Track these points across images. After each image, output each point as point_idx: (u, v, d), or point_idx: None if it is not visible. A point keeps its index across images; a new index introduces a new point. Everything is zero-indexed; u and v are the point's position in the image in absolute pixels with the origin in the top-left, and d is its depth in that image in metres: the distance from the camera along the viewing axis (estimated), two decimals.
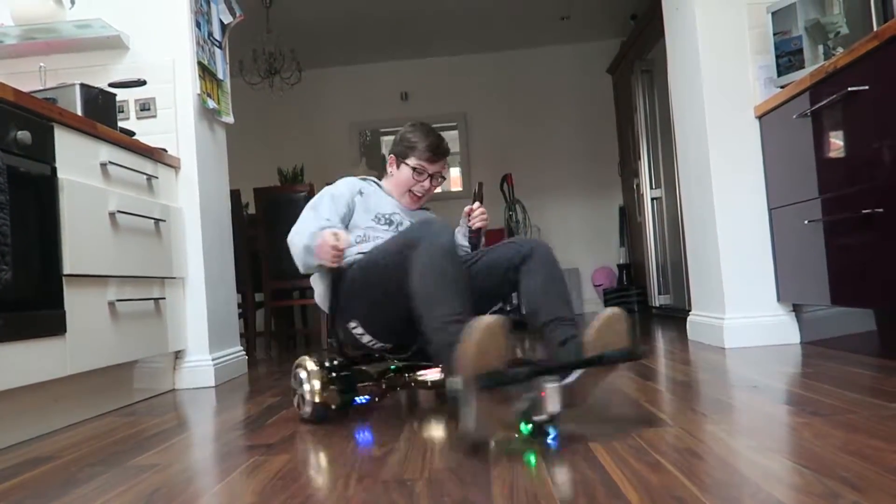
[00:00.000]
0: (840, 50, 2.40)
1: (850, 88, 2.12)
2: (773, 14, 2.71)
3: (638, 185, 5.17)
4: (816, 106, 2.34)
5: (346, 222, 2.00)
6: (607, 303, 5.82)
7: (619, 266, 5.98)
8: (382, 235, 1.94)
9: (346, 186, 2.08)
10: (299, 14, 5.47)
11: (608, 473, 1.15)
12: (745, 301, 2.80)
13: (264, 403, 2.21)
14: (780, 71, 2.70)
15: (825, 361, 2.23)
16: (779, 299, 2.78)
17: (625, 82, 5.53)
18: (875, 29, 2.14)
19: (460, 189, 6.65)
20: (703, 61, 2.89)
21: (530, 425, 1.39)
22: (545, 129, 6.41)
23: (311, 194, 4.26)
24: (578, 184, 6.38)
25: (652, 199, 4.89)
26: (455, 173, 6.88)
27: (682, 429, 1.44)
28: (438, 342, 1.52)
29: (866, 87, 2.08)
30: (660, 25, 3.46)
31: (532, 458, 1.28)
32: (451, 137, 6.83)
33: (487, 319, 1.35)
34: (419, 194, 2.08)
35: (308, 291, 4.80)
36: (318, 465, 1.37)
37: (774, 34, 2.72)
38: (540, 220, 6.10)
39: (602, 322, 1.51)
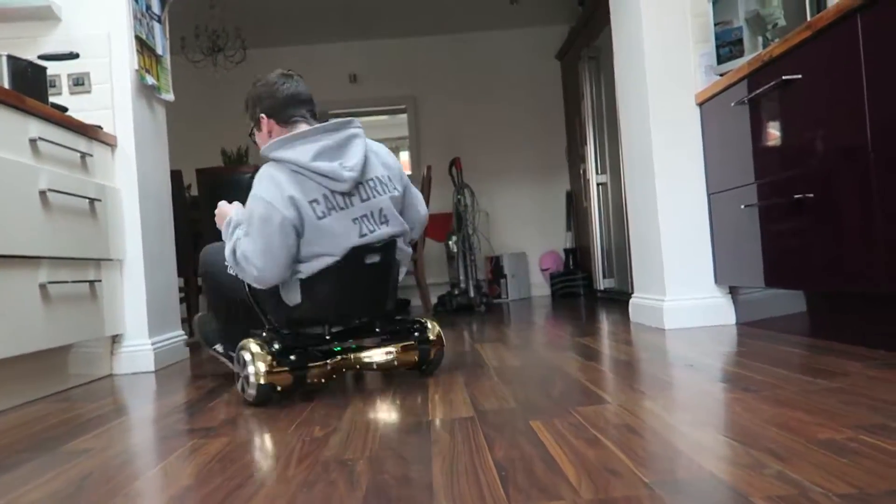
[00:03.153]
0: (776, 41, 2.46)
1: (784, 77, 2.19)
2: (715, 3, 2.77)
3: (584, 171, 5.24)
4: (753, 94, 2.40)
5: None
6: (553, 287, 5.91)
7: (565, 250, 6.07)
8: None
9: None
10: None
11: (547, 449, 1.17)
12: (685, 283, 2.87)
13: (205, 388, 2.16)
14: (720, 59, 2.76)
15: (758, 341, 2.31)
16: (716, 282, 2.86)
17: (573, 68, 5.59)
18: (808, 20, 2.20)
19: (409, 172, 6.62)
20: (647, 48, 2.94)
21: None
22: (494, 113, 6.43)
23: (255, 175, 4.18)
24: (527, 169, 6.43)
25: (598, 185, 4.96)
26: (404, 157, 6.85)
27: (620, 406, 1.47)
28: None
29: (800, 76, 2.15)
30: (607, 12, 3.49)
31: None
32: (401, 121, 6.80)
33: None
34: None
35: None
36: (259, 446, 1.36)
37: (716, 24, 2.78)
38: (488, 205, 6.13)
39: None
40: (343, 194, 1.88)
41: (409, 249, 2.08)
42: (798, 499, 0.85)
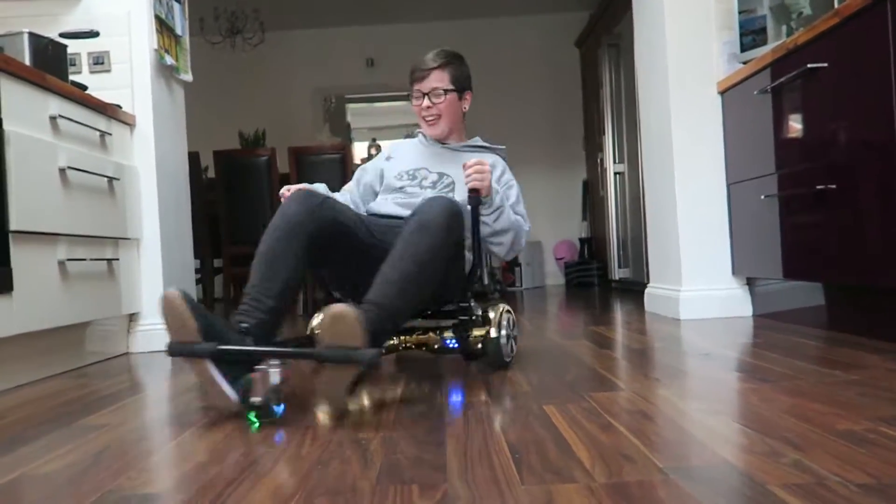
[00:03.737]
0: (803, 29, 2.42)
1: (809, 65, 2.15)
2: None
3: (602, 160, 5.20)
4: (777, 82, 2.37)
5: (376, 190, 2.11)
6: (568, 276, 5.89)
7: (580, 240, 6.04)
8: (410, 191, 1.98)
9: (373, 162, 2.19)
10: None
11: (560, 433, 1.16)
12: (701, 274, 2.85)
13: None
14: (744, 47, 2.72)
15: (775, 333, 2.29)
16: (733, 273, 2.84)
17: (592, 56, 5.53)
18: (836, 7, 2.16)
19: None
20: (668, 36, 2.90)
21: (251, 407, 1.32)
22: (511, 101, 6.39)
23: (272, 159, 4.19)
24: (543, 157, 6.39)
25: (615, 174, 4.93)
26: None
27: (634, 393, 1.47)
28: None
29: (825, 65, 2.11)
30: None
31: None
32: None
33: (166, 292, 1.36)
34: (424, 117, 2.05)
35: None
36: (273, 426, 1.36)
37: (740, 12, 2.73)
38: None
39: (328, 318, 1.29)
40: None
41: None
42: (815, 488, 0.84)
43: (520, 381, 1.69)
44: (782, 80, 2.32)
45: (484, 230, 1.84)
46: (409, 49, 6.63)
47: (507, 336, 1.83)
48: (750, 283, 2.85)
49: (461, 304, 1.83)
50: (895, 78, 1.78)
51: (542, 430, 1.19)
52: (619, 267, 4.84)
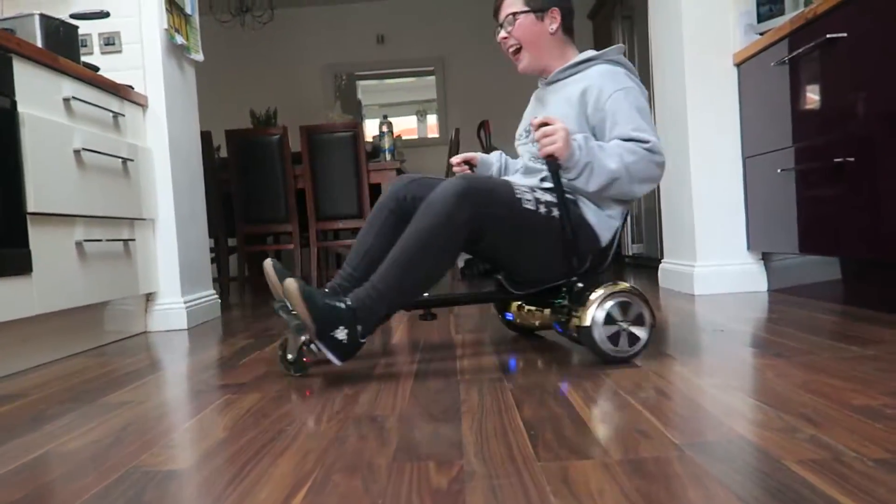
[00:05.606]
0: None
1: (828, 35, 2.11)
2: None
3: None
4: (794, 53, 2.33)
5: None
6: None
7: None
8: (522, 150, 1.86)
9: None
10: None
11: (576, 410, 1.17)
12: (716, 249, 2.83)
13: (237, 345, 2.20)
14: (761, 18, 2.68)
15: (791, 308, 2.28)
16: (749, 248, 2.82)
17: (605, 29, 5.45)
18: None
19: (437, 136, 6.59)
20: (684, 6, 2.85)
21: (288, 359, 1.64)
22: (524, 75, 6.31)
23: (284, 137, 4.19)
24: None
25: None
26: (432, 120, 6.80)
27: (650, 370, 1.47)
28: None
29: (845, 35, 2.07)
30: None
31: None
32: (429, 83, 6.72)
33: (265, 262, 1.64)
34: (508, 49, 1.83)
35: (282, 237, 4.77)
36: (290, 402, 1.38)
37: None
38: None
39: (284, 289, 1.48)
40: None
41: None
42: (831, 463, 0.85)
43: (534, 357, 1.69)
44: (800, 51, 2.28)
45: (585, 193, 1.63)
46: (419, 26, 6.61)
47: (612, 325, 1.52)
48: (765, 258, 2.83)
49: (563, 284, 1.64)
50: None
51: (557, 407, 1.20)
52: (633, 242, 4.82)
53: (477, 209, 1.52)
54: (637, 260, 4.92)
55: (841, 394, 1.17)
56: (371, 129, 6.53)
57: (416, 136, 6.95)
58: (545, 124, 1.55)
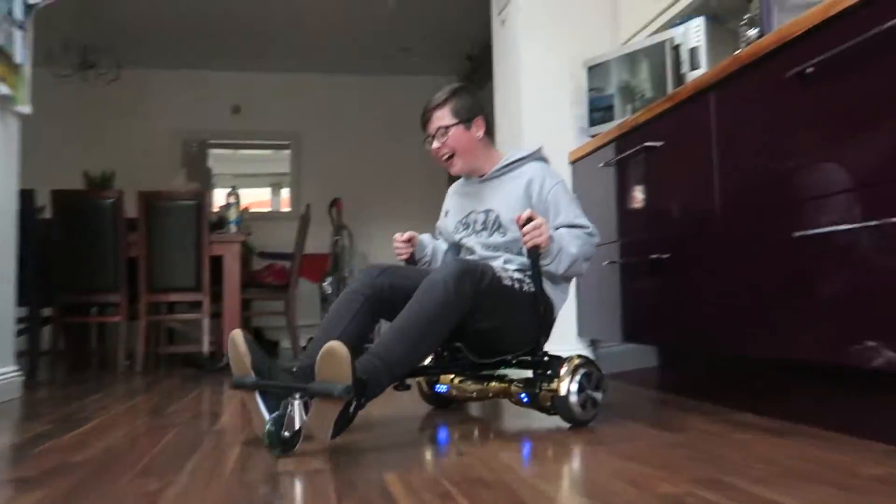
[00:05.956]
0: (643, 110, 2.64)
1: (647, 143, 2.33)
2: (590, 69, 2.93)
3: None
4: (620, 156, 2.54)
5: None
6: None
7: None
8: (466, 242, 2.05)
9: (440, 221, 2.24)
10: (125, 7, 5.08)
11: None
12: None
13: (33, 431, 1.95)
14: (593, 122, 2.92)
15: (614, 393, 2.39)
16: (579, 334, 2.96)
17: None
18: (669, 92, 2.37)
19: (289, 209, 6.49)
20: (524, 107, 3.06)
21: (274, 439, 1.45)
22: (380, 157, 6.45)
23: (119, 202, 3.92)
24: (409, 215, 6.43)
25: None
26: (285, 194, 6.71)
27: (476, 458, 1.46)
28: None
29: (661, 144, 2.30)
30: (491, 68, 3.61)
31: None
32: (284, 157, 6.66)
33: (233, 333, 1.60)
34: (440, 158, 2.03)
35: (108, 308, 4.38)
36: (76, 502, 1.22)
37: (591, 90, 2.94)
38: (368, 248, 6.09)
39: (321, 354, 1.44)
40: None
41: None
42: None
43: (364, 444, 1.63)
44: (624, 154, 2.50)
45: (553, 272, 1.85)
46: (277, 98, 6.59)
47: (581, 394, 1.72)
48: (594, 344, 2.98)
49: (534, 356, 1.85)
50: (716, 158, 1.96)
51: (379, 499, 1.15)
52: None
53: (476, 287, 1.68)
54: None
55: (649, 481, 1.21)
56: (219, 198, 6.31)
57: (269, 209, 6.81)
58: (530, 219, 1.74)
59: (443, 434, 1.79)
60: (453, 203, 2.18)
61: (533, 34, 3.12)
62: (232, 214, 4.28)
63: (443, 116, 1.99)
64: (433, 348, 1.71)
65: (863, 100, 1.46)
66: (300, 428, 1.46)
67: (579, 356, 1.80)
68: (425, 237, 2.16)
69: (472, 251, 2.02)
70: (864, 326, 1.45)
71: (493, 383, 1.89)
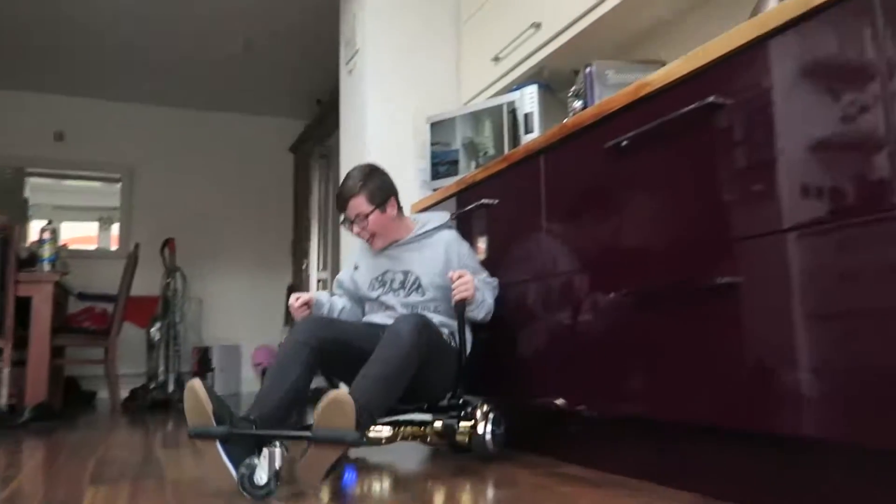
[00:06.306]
0: (482, 168, 2.73)
1: (483, 200, 2.41)
2: (433, 125, 3.01)
3: (307, 266, 5.22)
4: (461, 211, 2.61)
5: (360, 294, 2.34)
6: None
7: (281, 345, 5.87)
8: (385, 300, 2.25)
9: (345, 273, 2.40)
10: None
11: None
12: None
13: None
14: (437, 176, 2.97)
15: (444, 453, 2.39)
16: None
17: (305, 163, 5.65)
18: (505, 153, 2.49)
19: (117, 247, 6.01)
20: (369, 158, 3.06)
21: (252, 485, 1.50)
22: (220, 197, 6.18)
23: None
24: (249, 258, 6.23)
25: (318, 281, 4.97)
26: (114, 231, 6.22)
27: None
28: None
29: (496, 201, 2.38)
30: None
31: None
32: (114, 191, 6.19)
33: (192, 382, 1.61)
34: (365, 238, 2.28)
35: None
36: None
37: (435, 143, 3.00)
38: (203, 291, 5.77)
39: (325, 403, 1.53)
40: None
41: None
42: None
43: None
44: (464, 209, 2.56)
45: (474, 318, 2.15)
46: (107, 128, 6.13)
47: (493, 432, 2.01)
48: None
49: (452, 401, 2.12)
50: (544, 219, 2.06)
51: None
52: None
53: (429, 338, 1.91)
54: (316, 393, 4.87)
55: None
56: (34, 232, 5.72)
57: (95, 247, 6.28)
58: (462, 276, 2.07)
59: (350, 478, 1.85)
60: (366, 261, 2.36)
61: (379, 86, 3.17)
62: (46, 251, 3.88)
63: (360, 204, 2.21)
64: (399, 395, 1.84)
65: (668, 172, 1.60)
66: (277, 473, 1.52)
67: (485, 401, 2.08)
68: (321, 296, 2.29)
69: (391, 308, 2.22)
70: (673, 382, 1.56)
71: (408, 427, 2.09)
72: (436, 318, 2.14)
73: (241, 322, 6.05)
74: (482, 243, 2.49)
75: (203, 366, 5.53)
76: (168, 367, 4.56)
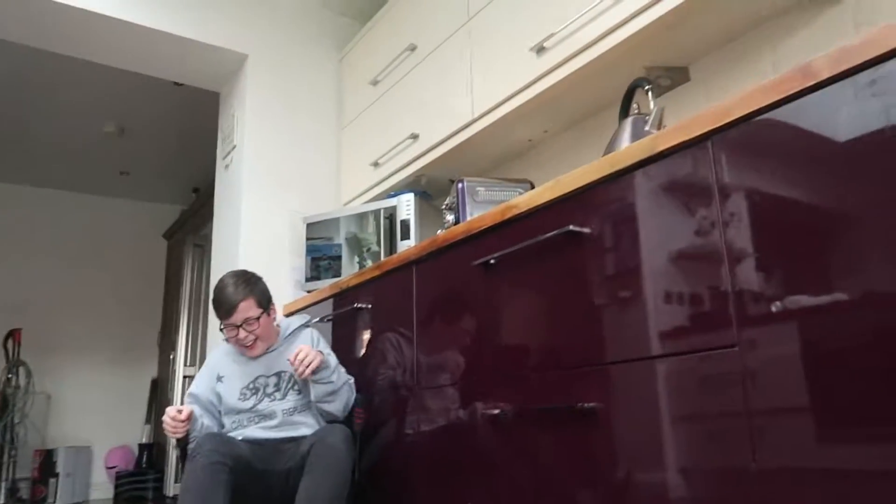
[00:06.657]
0: (369, 263, 2.72)
1: (356, 305, 2.38)
2: (309, 225, 2.98)
3: (174, 359, 4.91)
4: (335, 313, 2.56)
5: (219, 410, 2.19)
6: (118, 489, 5.15)
7: (140, 446, 5.42)
8: (261, 408, 2.14)
9: (202, 384, 2.23)
10: None
11: None
12: None
13: None
14: (321, 272, 2.91)
15: None
16: None
17: (178, 252, 5.42)
18: (383, 258, 2.49)
19: None
20: (241, 254, 2.98)
21: None
22: (80, 283, 5.75)
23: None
24: (111, 349, 5.78)
25: (184, 377, 4.67)
26: None
27: None
28: None
29: (370, 306, 2.36)
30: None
31: None
32: None
33: None
34: (246, 344, 2.17)
35: None
36: None
37: (318, 238, 2.95)
38: (53, 387, 5.26)
39: None
40: None
41: None
42: None
43: None
44: (339, 312, 2.52)
45: (327, 389, 2.08)
46: None
47: None
48: None
49: None
50: (416, 329, 2.06)
51: None
52: (176, 481, 4.43)
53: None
54: None
55: None
56: None
57: None
58: (298, 353, 1.99)
59: None
60: (230, 369, 2.24)
61: (256, 183, 3.12)
62: None
63: (249, 308, 2.16)
64: None
65: (532, 292, 1.65)
66: None
67: None
68: (196, 410, 2.13)
69: (272, 416, 2.12)
70: None
71: None
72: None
73: (95, 419, 5.54)
74: (352, 348, 2.44)
75: (45, 471, 4.97)
76: (1, 474, 4.06)
